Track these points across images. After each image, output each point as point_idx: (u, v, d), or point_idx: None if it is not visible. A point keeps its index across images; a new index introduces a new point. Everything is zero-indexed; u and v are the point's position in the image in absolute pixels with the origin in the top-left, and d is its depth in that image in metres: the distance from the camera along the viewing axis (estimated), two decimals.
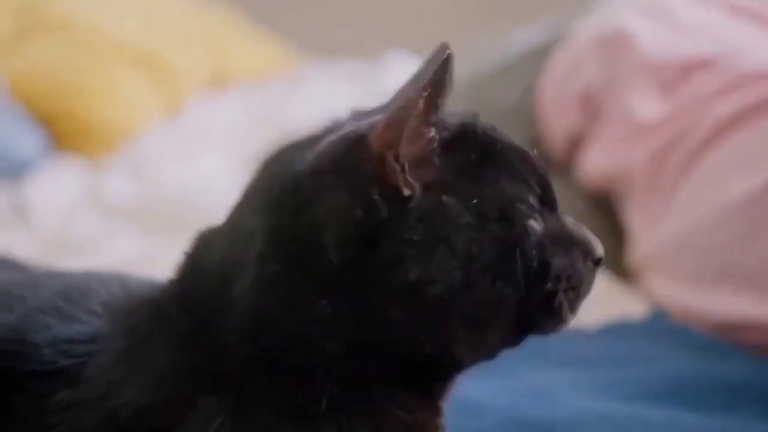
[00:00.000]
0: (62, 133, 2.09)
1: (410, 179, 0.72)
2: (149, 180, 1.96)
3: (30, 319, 0.80)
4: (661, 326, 1.27)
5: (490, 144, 0.75)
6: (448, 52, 0.72)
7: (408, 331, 0.73)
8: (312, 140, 0.77)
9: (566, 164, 1.61)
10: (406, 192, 0.72)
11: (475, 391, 1.03)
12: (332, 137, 0.75)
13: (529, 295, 0.74)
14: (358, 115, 0.79)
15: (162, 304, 0.79)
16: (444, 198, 0.72)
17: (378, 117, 0.73)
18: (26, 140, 1.99)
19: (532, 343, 1.20)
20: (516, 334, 0.76)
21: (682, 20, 1.57)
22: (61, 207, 1.83)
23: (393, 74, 2.13)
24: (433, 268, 0.71)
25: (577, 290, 0.76)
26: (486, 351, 0.76)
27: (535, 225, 0.74)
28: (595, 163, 1.56)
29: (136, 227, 1.74)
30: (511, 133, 1.51)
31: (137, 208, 1.84)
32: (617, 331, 1.26)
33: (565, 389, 1.08)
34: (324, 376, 0.73)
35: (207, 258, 0.78)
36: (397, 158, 0.71)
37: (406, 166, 0.72)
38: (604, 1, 1.74)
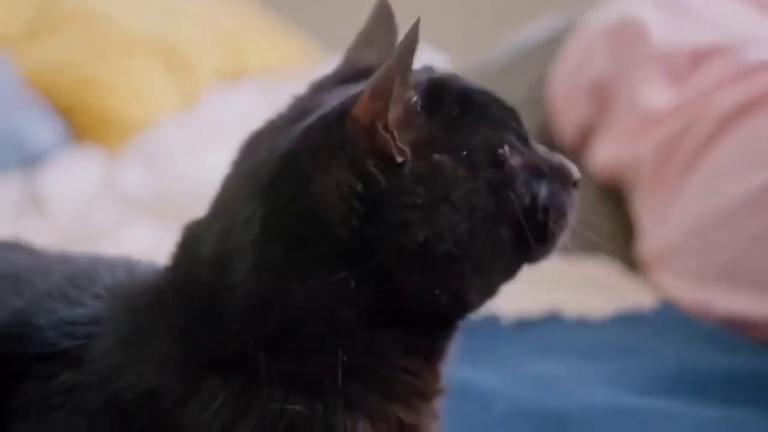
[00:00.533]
0: (80, 124, 2.11)
1: (400, 145, 0.73)
2: (164, 171, 1.97)
3: (37, 303, 0.81)
4: (671, 317, 1.27)
5: (464, 94, 0.76)
6: (416, 21, 0.73)
7: (423, 290, 0.74)
8: (287, 121, 0.78)
9: (577, 155, 1.60)
10: (399, 158, 0.73)
11: (483, 379, 1.04)
12: (315, 116, 0.75)
13: (525, 231, 0.75)
14: (319, 87, 0.82)
15: (161, 290, 0.79)
16: (435, 156, 0.74)
17: (360, 89, 0.73)
18: (43, 131, 2.00)
19: (541, 333, 1.21)
20: (515, 268, 0.77)
21: (693, 10, 1.57)
22: (77, 197, 1.84)
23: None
24: (439, 227, 0.73)
25: (564, 216, 0.78)
26: (493, 291, 0.77)
27: (520, 162, 0.76)
28: (605, 154, 1.55)
29: (150, 218, 1.75)
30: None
31: (152, 199, 1.85)
32: (626, 322, 1.25)
33: (573, 379, 1.07)
34: (334, 350, 0.74)
35: (199, 248, 0.78)
36: (386, 127, 0.72)
37: (395, 133, 0.73)
38: None
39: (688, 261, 1.37)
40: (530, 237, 0.75)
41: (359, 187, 0.73)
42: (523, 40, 1.79)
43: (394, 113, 0.73)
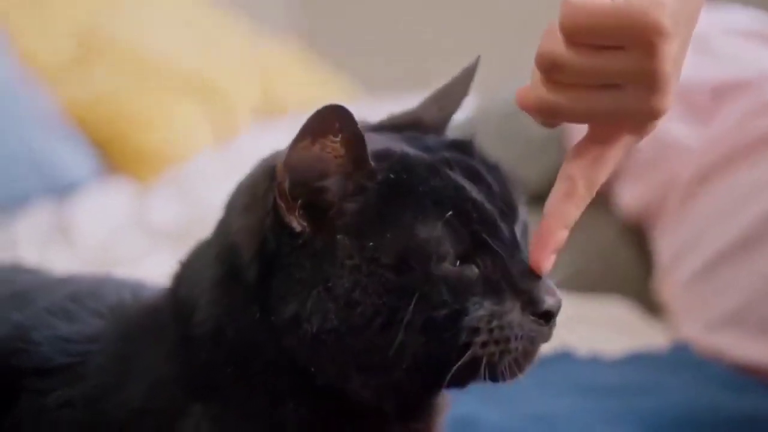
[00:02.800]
0: (114, 157, 2.13)
1: (299, 219, 0.71)
2: (195, 203, 1.98)
3: (36, 319, 0.82)
4: (682, 358, 1.25)
5: (415, 185, 0.71)
6: (338, 105, 0.69)
7: (301, 360, 0.72)
8: None
9: (602, 196, 1.59)
10: (297, 228, 0.71)
11: (485, 414, 1.02)
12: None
13: (439, 345, 0.70)
14: (367, 127, 0.79)
15: (157, 312, 0.80)
16: (339, 237, 0.71)
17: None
18: (77, 161, 2.03)
19: (550, 370, 1.19)
20: (429, 378, 0.71)
21: (717, 49, 1.56)
22: (106, 227, 1.86)
23: None
24: (308, 308, 0.70)
25: (504, 344, 0.70)
26: (400, 394, 0.72)
27: (447, 271, 0.70)
28: (629, 192, 1.54)
29: (178, 249, 1.75)
30: (542, 164, 1.51)
31: (180, 229, 1.86)
32: (637, 361, 1.24)
33: (576, 417, 1.06)
34: (286, 386, 0.73)
35: (191, 268, 0.79)
36: (286, 196, 0.71)
37: (299, 205, 0.71)
38: None
39: (697, 304, 1.35)
40: (446, 354, 0.70)
41: (258, 239, 0.72)
42: None
43: (309, 189, 0.71)
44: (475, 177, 0.74)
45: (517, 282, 0.71)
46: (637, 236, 1.52)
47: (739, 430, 1.06)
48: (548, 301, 0.71)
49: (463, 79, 0.81)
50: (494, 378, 0.71)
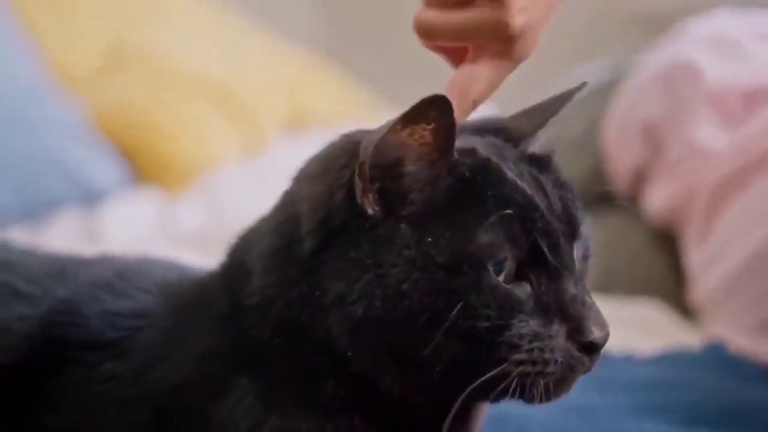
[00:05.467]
0: (142, 166, 2.14)
1: (372, 202, 0.71)
2: (221, 215, 1.99)
3: (83, 293, 0.83)
4: (717, 356, 1.25)
5: (486, 189, 0.71)
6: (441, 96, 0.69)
7: (340, 342, 0.72)
8: None
9: (633, 200, 1.59)
10: (369, 211, 0.71)
11: (519, 407, 1.02)
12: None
13: (476, 354, 0.69)
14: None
15: (207, 287, 0.81)
16: (402, 226, 0.70)
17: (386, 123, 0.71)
18: (104, 170, 2.03)
19: None
20: (457, 381, 0.70)
21: (748, 53, 1.56)
22: (134, 235, 1.86)
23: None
24: (355, 291, 0.70)
25: (541, 366, 0.70)
26: (429, 393, 0.72)
27: (499, 284, 0.69)
28: (659, 198, 1.54)
29: (204, 259, 1.76)
30: (576, 167, 1.51)
31: (207, 240, 1.86)
32: (671, 359, 1.24)
33: (611, 410, 1.05)
34: (327, 366, 0.73)
35: (247, 240, 0.79)
36: (365, 177, 0.70)
37: (375, 189, 0.71)
38: (669, 38, 1.72)
39: (732, 310, 1.34)
40: (482, 365, 0.69)
41: (324, 211, 0.72)
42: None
43: (390, 175, 0.70)
44: (537, 191, 0.73)
45: (568, 307, 0.70)
46: (667, 240, 1.52)
47: None
48: (596, 333, 0.70)
49: (560, 99, 0.82)
50: (524, 397, 0.70)
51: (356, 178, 0.71)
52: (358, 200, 0.71)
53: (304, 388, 0.74)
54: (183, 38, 2.39)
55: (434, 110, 0.69)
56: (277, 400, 0.74)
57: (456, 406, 0.70)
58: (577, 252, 0.74)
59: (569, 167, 1.61)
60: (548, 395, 0.71)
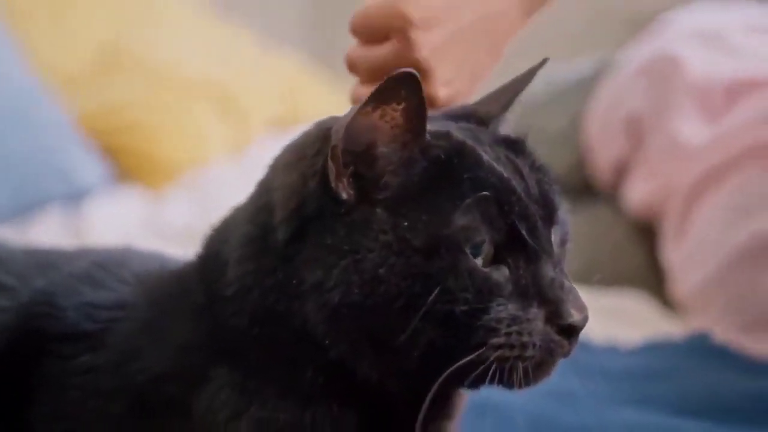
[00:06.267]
0: (128, 165, 2.13)
1: (347, 186, 0.70)
2: (208, 211, 1.98)
3: (61, 285, 0.82)
4: (701, 346, 1.25)
5: (462, 172, 0.70)
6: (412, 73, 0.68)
7: (317, 330, 0.71)
8: None
9: (613, 192, 1.59)
10: (343, 195, 0.70)
11: (501, 395, 1.02)
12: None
13: (454, 338, 0.68)
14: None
15: (185, 277, 0.80)
16: (378, 211, 0.69)
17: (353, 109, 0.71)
18: (90, 168, 2.03)
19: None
20: (433, 366, 0.69)
21: (731, 46, 1.55)
22: (120, 232, 1.86)
23: None
24: (332, 278, 0.69)
25: (519, 350, 0.69)
26: (408, 378, 0.70)
27: (476, 268, 0.68)
28: (639, 191, 1.53)
29: (191, 250, 1.76)
30: (559, 159, 1.52)
31: (193, 236, 1.86)
32: (656, 349, 1.24)
33: (596, 397, 1.05)
34: (305, 355, 0.72)
35: (223, 230, 0.79)
36: (338, 161, 0.70)
37: (349, 173, 0.70)
38: (653, 31, 1.72)
39: (717, 309, 1.34)
40: (460, 349, 0.68)
41: (298, 198, 0.72)
42: (562, 77, 1.78)
43: (363, 159, 0.70)
44: (514, 174, 0.72)
45: (547, 290, 0.70)
46: (649, 232, 1.52)
47: (759, 414, 1.05)
48: (575, 316, 0.69)
49: (523, 78, 0.80)
50: (503, 382, 0.70)
51: (329, 163, 0.70)
52: (332, 185, 0.70)
53: (283, 378, 0.73)
54: (174, 40, 2.39)
55: (403, 89, 0.68)
56: (256, 390, 0.73)
57: (433, 390, 0.69)
58: (555, 236, 0.73)
59: (553, 160, 1.61)
60: (528, 380, 0.70)
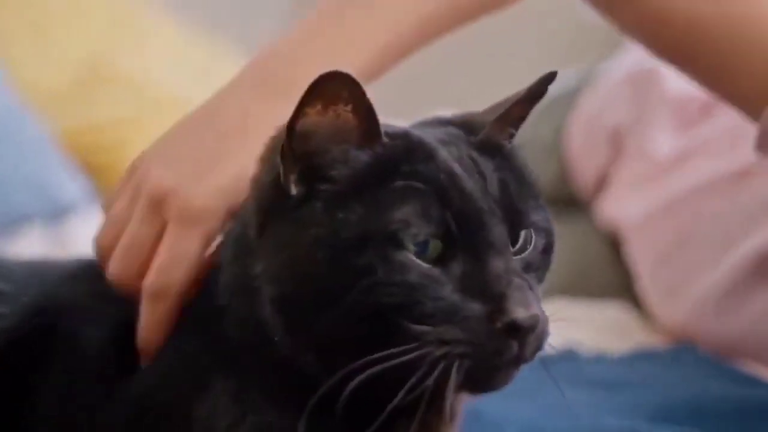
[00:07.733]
0: (110, 184, 2.12)
1: (296, 182, 0.70)
2: None
3: (59, 292, 0.83)
4: (688, 355, 1.25)
5: (408, 166, 0.69)
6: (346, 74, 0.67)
7: (267, 328, 0.70)
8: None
9: (593, 204, 1.58)
10: (292, 191, 0.70)
11: (492, 407, 1.02)
12: None
13: (385, 335, 0.66)
14: (422, 123, 0.79)
15: None
16: (318, 205, 0.69)
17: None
18: (72, 187, 2.02)
19: (555, 367, 1.18)
20: (358, 349, 0.66)
21: None
22: None
23: None
24: (270, 272, 0.69)
25: (455, 347, 0.65)
26: (353, 375, 0.67)
27: (410, 260, 0.66)
28: (608, 207, 1.52)
29: None
30: (545, 170, 1.51)
31: None
32: (642, 358, 1.24)
33: (585, 406, 1.05)
34: (277, 357, 0.71)
35: (224, 235, 0.79)
36: (288, 158, 0.69)
37: (299, 169, 0.70)
38: (635, 45, 1.73)
39: (704, 337, 1.33)
40: (383, 343, 0.65)
41: (264, 193, 0.72)
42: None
43: (311, 153, 0.69)
44: (472, 172, 0.71)
45: (491, 287, 0.67)
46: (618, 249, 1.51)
47: (746, 423, 1.05)
48: (519, 314, 0.65)
49: (535, 89, 0.78)
50: (457, 385, 0.66)
51: (278, 160, 0.70)
52: (283, 180, 0.70)
53: (268, 383, 0.73)
54: (157, 58, 2.40)
55: (345, 90, 0.68)
56: (250, 397, 0.73)
57: (355, 379, 0.66)
58: (521, 236, 0.71)
59: (538, 171, 1.61)
60: (477, 383, 0.68)
